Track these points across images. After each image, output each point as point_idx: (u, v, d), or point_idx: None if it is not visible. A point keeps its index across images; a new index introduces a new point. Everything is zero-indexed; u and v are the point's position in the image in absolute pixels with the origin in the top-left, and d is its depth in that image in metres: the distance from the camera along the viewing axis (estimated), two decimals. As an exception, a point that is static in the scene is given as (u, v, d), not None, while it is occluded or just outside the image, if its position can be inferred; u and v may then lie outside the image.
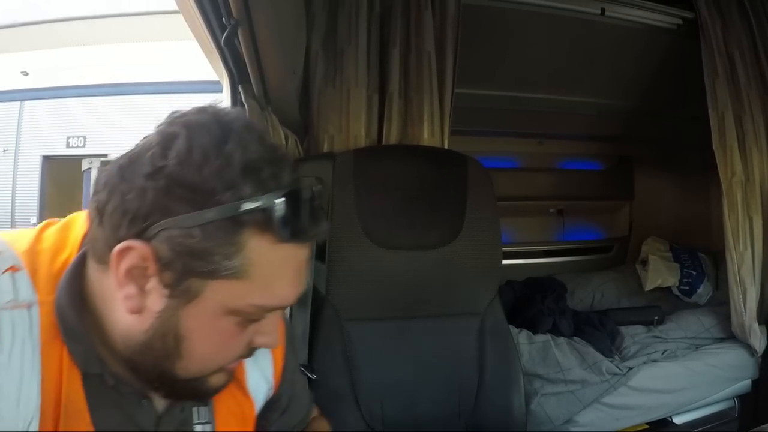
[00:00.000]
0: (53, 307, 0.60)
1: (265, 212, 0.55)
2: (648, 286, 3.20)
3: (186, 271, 0.56)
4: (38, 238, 0.66)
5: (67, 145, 17.58)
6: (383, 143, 1.85)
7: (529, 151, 3.44)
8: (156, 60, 16.27)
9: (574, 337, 2.44)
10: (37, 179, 17.75)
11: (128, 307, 0.58)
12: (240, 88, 1.44)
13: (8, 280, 0.59)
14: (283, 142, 1.59)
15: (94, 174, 7.63)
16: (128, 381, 0.65)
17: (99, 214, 0.58)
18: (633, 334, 2.60)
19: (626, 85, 2.82)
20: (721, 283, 3.01)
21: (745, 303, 2.33)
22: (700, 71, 2.30)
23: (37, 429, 0.57)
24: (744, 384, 2.46)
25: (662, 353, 2.47)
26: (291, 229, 0.57)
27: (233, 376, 0.71)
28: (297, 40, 1.66)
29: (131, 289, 0.57)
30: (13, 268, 0.60)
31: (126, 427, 0.65)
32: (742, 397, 2.50)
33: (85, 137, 17.52)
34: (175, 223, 0.54)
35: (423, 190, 1.60)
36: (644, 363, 2.39)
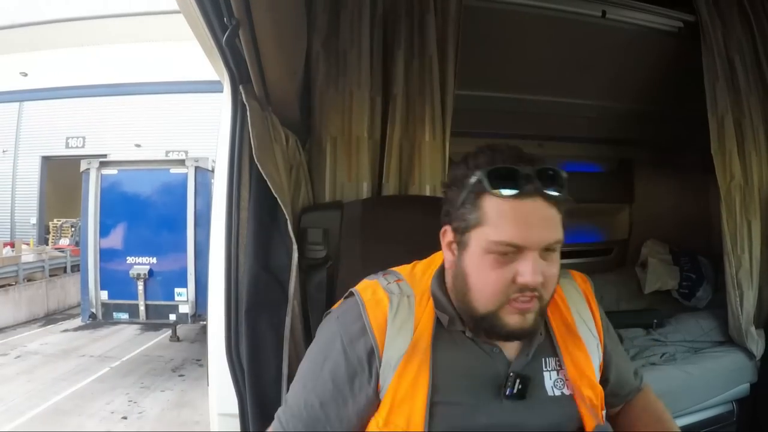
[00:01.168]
0: (425, 295, 1.05)
1: (482, 182, 0.93)
2: (647, 289, 3.20)
3: (462, 230, 0.97)
4: (414, 265, 1.14)
5: (67, 146, 17.58)
6: (386, 144, 1.85)
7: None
8: (156, 60, 16.27)
9: (574, 340, 2.43)
10: (37, 180, 17.74)
11: (447, 266, 1.04)
12: (241, 88, 1.44)
13: (395, 285, 1.07)
14: (284, 143, 1.59)
15: (93, 174, 7.61)
16: (481, 336, 1.01)
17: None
18: (632, 337, 2.60)
19: (626, 88, 2.82)
20: (720, 286, 3.01)
21: (742, 306, 2.33)
22: (700, 75, 2.30)
23: (399, 361, 0.98)
24: (743, 388, 2.46)
25: (661, 356, 2.47)
26: (495, 185, 0.92)
27: (534, 325, 0.97)
28: (298, 41, 1.66)
29: (448, 254, 1.02)
30: (398, 280, 1.08)
31: (475, 368, 1.01)
32: (741, 401, 2.49)
33: (84, 138, 17.52)
34: (453, 206, 0.98)
35: (431, 241, 1.61)
36: (643, 366, 2.39)
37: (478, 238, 0.95)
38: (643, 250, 3.42)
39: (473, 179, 0.95)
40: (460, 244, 0.98)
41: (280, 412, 1.05)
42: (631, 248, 3.64)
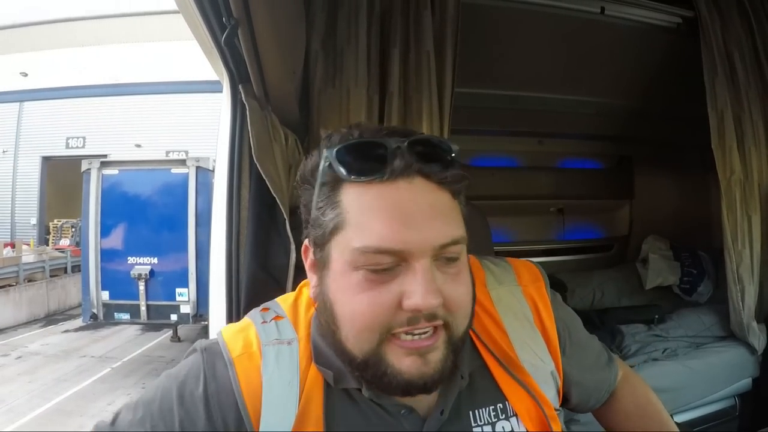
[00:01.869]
0: (309, 341, 0.77)
1: (332, 165, 0.67)
2: (648, 285, 3.20)
3: (320, 243, 0.70)
4: (299, 294, 0.85)
5: (67, 146, 17.58)
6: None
7: (529, 150, 3.45)
8: (156, 60, 16.27)
9: (575, 336, 2.44)
10: (37, 180, 17.75)
11: (312, 296, 0.75)
12: (240, 87, 1.44)
13: (273, 326, 0.78)
14: (284, 142, 1.59)
15: (93, 175, 7.61)
16: (381, 392, 0.74)
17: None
18: (633, 333, 2.60)
19: (626, 85, 2.82)
20: (721, 281, 3.01)
21: (743, 301, 2.33)
22: (699, 70, 2.30)
23: None
24: (745, 382, 2.46)
25: (663, 352, 2.47)
26: (351, 167, 0.66)
27: (442, 368, 0.69)
28: (297, 40, 1.66)
29: (313, 280, 0.74)
30: (278, 317, 0.80)
31: None
32: (743, 396, 2.50)
33: (84, 138, 17.52)
34: (308, 210, 0.72)
35: None
36: (645, 362, 2.39)
37: (340, 248, 0.67)
38: (643, 246, 3.42)
39: (323, 165, 0.68)
40: (321, 262, 0.70)
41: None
42: (631, 244, 3.65)
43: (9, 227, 17.34)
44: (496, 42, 2.34)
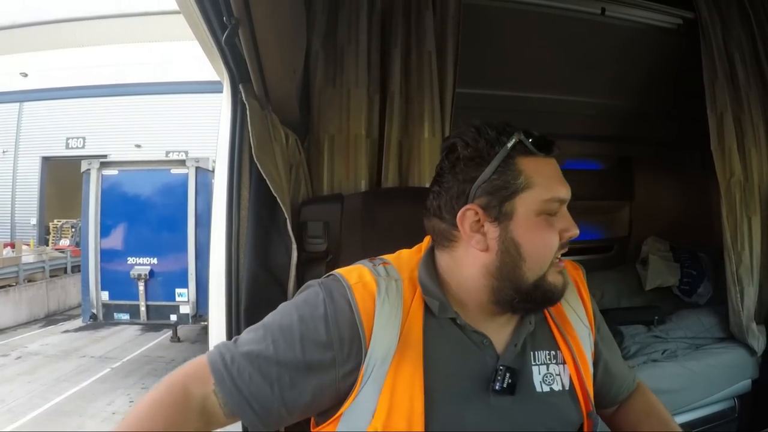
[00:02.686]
0: (412, 281, 0.99)
1: (520, 142, 0.93)
2: (648, 286, 3.20)
3: (500, 201, 0.92)
4: (399, 252, 1.08)
5: (67, 146, 17.59)
6: (384, 142, 1.85)
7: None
8: (156, 60, 16.28)
9: (574, 337, 2.44)
10: (37, 180, 17.75)
11: (480, 249, 0.94)
12: (240, 87, 1.44)
13: (382, 268, 0.99)
14: (284, 142, 1.59)
15: (93, 175, 7.61)
16: (473, 325, 0.97)
17: (437, 215, 0.98)
18: (633, 334, 2.60)
19: (626, 85, 2.82)
20: (721, 282, 3.01)
21: (742, 303, 2.33)
22: (699, 72, 2.30)
23: (392, 356, 0.90)
24: (744, 384, 2.46)
25: (662, 353, 2.47)
26: (538, 145, 0.94)
27: (567, 285, 0.98)
28: (297, 40, 1.66)
29: (477, 237, 0.94)
30: (385, 263, 1.01)
31: (464, 361, 0.96)
32: (742, 397, 2.49)
33: (84, 138, 17.53)
34: (481, 180, 0.92)
35: None
36: (644, 363, 2.39)
37: (526, 202, 0.92)
38: (643, 248, 3.42)
39: (510, 142, 0.93)
40: (501, 216, 0.92)
41: (224, 349, 0.92)
42: (631, 245, 3.65)
43: (9, 227, 17.35)
44: (497, 43, 2.34)
